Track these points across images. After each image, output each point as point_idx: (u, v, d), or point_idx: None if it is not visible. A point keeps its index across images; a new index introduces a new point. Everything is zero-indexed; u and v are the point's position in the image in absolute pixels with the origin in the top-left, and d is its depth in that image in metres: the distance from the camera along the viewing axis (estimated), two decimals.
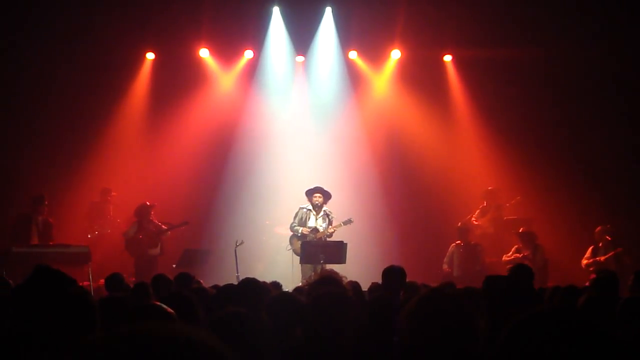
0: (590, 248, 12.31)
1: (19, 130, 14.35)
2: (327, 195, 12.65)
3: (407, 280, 7.05)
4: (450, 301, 2.90)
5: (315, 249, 11.88)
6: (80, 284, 8.51)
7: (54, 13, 13.93)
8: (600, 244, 12.24)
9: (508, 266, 10.80)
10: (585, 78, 14.20)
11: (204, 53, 15.20)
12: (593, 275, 7.92)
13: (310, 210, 12.59)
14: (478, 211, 14.15)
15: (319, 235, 12.42)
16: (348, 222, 12.47)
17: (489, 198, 14.17)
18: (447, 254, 13.13)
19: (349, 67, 15.54)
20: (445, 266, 13.01)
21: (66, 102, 14.47)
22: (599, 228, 12.37)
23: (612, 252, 12.02)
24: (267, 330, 3.75)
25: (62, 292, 2.69)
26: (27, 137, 14.36)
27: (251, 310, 3.55)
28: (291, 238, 12.64)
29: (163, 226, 12.96)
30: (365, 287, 7.49)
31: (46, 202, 12.63)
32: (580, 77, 14.23)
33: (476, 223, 13.99)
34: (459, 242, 13.06)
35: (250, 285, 4.87)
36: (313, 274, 10.46)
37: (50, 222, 12.63)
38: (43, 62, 14.09)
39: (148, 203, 13.02)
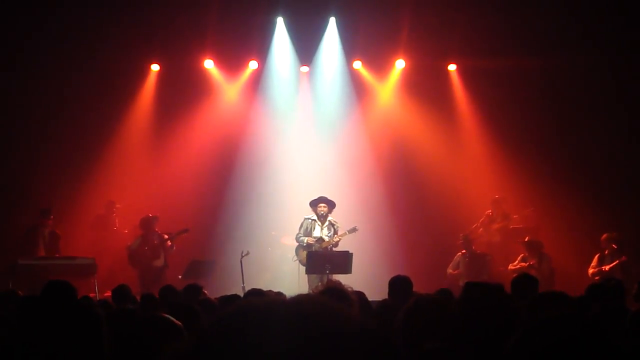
0: (597, 256, 12.19)
1: (26, 142, 14.40)
2: (331, 205, 12.64)
3: (414, 290, 7.01)
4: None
5: (321, 259, 11.85)
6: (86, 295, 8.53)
7: (59, 25, 13.99)
8: (607, 252, 12.08)
9: (514, 275, 10.76)
10: (590, 87, 14.19)
11: (208, 64, 15.24)
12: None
13: (315, 220, 12.57)
14: (483, 218, 14.12)
15: (324, 245, 12.40)
16: (353, 230, 12.46)
17: (496, 206, 14.14)
18: (454, 260, 13.12)
19: (354, 77, 15.56)
20: (449, 270, 13.00)
21: (72, 113, 14.51)
22: (605, 236, 12.22)
23: (617, 261, 11.90)
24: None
25: (68, 305, 2.70)
26: (34, 149, 14.40)
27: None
28: (297, 249, 12.63)
29: (165, 236, 12.97)
30: (370, 297, 7.44)
31: (52, 215, 12.66)
32: (585, 87, 14.22)
33: (480, 231, 13.97)
34: (464, 251, 13.05)
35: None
36: (320, 284, 10.43)
37: (57, 234, 12.67)
38: (49, 75, 14.14)
39: (151, 215, 13.03)
